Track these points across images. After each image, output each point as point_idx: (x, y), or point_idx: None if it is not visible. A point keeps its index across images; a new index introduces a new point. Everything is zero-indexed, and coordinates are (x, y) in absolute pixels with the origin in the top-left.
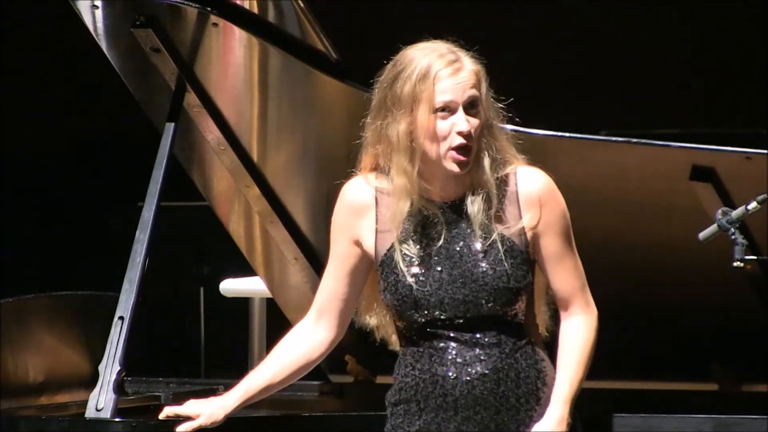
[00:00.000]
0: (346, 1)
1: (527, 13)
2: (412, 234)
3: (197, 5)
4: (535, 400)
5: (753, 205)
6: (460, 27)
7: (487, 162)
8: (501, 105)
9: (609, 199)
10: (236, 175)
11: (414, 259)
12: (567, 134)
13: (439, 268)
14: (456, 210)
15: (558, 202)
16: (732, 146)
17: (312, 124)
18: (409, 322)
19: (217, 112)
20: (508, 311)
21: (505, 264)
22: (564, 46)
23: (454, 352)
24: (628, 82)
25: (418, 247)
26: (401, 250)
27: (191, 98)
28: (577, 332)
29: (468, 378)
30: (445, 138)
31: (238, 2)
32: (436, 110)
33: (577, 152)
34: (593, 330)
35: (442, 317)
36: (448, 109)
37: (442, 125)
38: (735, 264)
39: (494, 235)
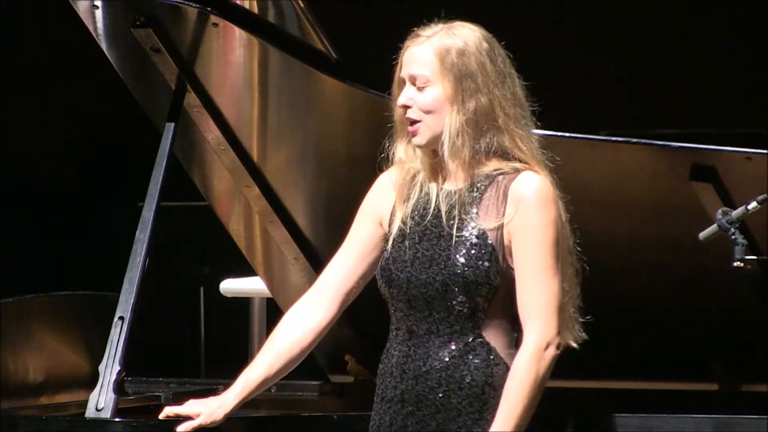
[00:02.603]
0: (346, 1)
1: (527, 13)
2: (412, 213)
3: (197, 5)
4: (481, 404)
5: (753, 205)
6: None
7: (448, 145)
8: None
9: (609, 199)
10: (236, 175)
11: (401, 238)
12: (567, 134)
13: (416, 248)
14: (452, 197)
15: (542, 210)
16: (732, 146)
17: (312, 124)
18: (388, 303)
19: (217, 112)
20: (463, 303)
21: (469, 255)
22: (564, 46)
23: (408, 344)
24: (628, 82)
25: (412, 226)
26: (397, 226)
27: (191, 98)
28: (515, 368)
29: (413, 374)
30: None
31: (238, 2)
32: (399, 84)
33: (577, 152)
34: (532, 364)
35: (404, 298)
36: (405, 83)
37: (399, 98)
38: (735, 264)
39: (472, 226)
